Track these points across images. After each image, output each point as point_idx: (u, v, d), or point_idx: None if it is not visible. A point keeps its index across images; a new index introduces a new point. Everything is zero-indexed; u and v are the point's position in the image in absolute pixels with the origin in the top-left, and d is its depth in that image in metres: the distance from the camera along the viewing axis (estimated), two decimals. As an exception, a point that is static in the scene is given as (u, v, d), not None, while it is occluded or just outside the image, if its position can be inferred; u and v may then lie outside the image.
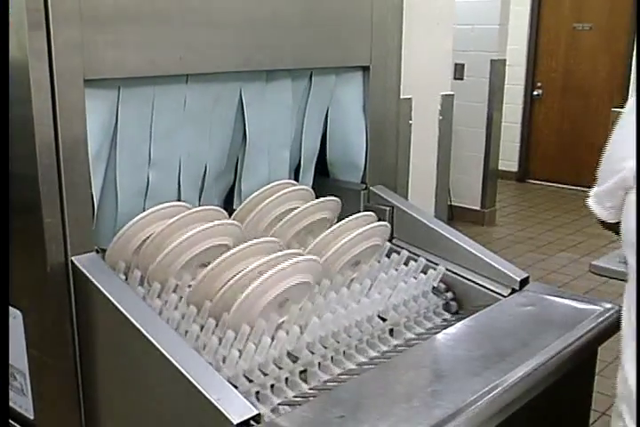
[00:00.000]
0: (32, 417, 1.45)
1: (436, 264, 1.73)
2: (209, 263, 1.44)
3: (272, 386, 1.32)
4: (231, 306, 1.37)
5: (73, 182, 1.30)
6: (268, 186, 1.75)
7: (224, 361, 1.30)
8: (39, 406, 1.43)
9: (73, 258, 1.31)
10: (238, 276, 1.40)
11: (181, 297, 1.44)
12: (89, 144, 1.31)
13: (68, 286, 1.32)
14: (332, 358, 1.43)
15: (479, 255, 1.70)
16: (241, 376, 1.30)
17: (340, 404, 1.18)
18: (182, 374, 1.13)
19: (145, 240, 1.48)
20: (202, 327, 1.38)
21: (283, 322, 1.43)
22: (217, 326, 1.38)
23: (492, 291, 1.66)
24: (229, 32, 1.51)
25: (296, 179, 1.88)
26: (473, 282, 1.69)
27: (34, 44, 1.20)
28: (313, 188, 1.84)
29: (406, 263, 1.72)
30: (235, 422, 1.06)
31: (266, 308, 1.39)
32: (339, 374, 1.38)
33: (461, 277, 1.71)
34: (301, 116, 1.82)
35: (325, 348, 1.42)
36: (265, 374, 1.32)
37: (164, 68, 1.43)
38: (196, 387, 1.11)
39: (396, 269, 1.70)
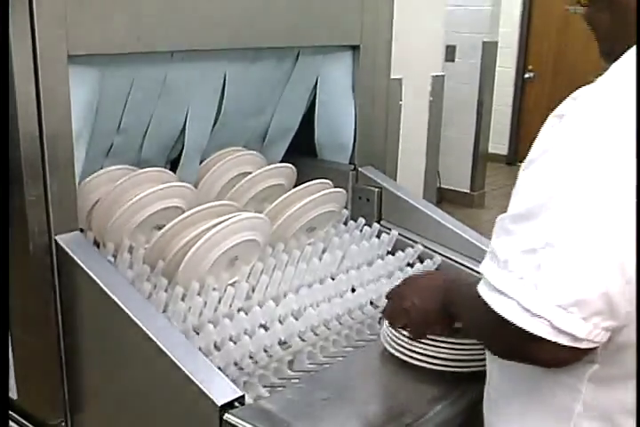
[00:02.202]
0: (15, 397, 1.44)
1: (389, 230, 1.76)
2: (163, 226, 1.45)
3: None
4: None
5: (56, 160, 1.28)
6: (219, 152, 1.79)
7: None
8: (22, 386, 1.42)
9: (57, 237, 1.29)
10: (191, 235, 1.41)
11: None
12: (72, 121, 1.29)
13: (51, 265, 1.30)
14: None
15: (468, 238, 1.69)
16: (191, 331, 1.31)
17: (324, 386, 1.17)
18: (167, 355, 1.12)
19: (96, 203, 1.50)
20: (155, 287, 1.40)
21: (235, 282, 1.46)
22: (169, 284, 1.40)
23: (480, 274, 1.64)
24: (217, 9, 1.48)
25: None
26: (462, 265, 1.68)
27: (15, 18, 1.17)
28: (301, 168, 1.82)
29: (402, 249, 1.72)
30: (219, 404, 1.05)
31: (214, 265, 1.41)
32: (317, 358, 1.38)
33: (450, 259, 1.71)
34: (279, 93, 1.81)
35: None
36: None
37: (151, 45, 1.40)
38: (180, 369, 1.10)
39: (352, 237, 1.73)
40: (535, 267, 0.81)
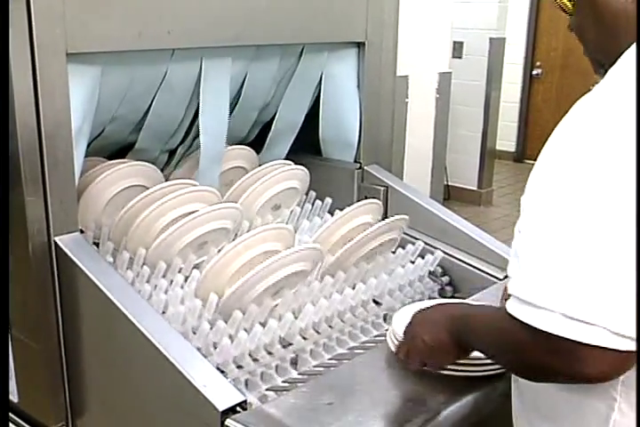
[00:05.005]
0: (16, 400, 1.42)
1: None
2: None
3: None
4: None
5: (56, 160, 1.26)
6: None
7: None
8: (23, 389, 1.41)
9: (56, 238, 1.28)
10: (149, 209, 1.45)
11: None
12: (72, 120, 1.27)
13: (51, 267, 1.29)
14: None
15: (475, 237, 1.67)
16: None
17: (329, 390, 1.15)
18: (167, 359, 1.10)
19: None
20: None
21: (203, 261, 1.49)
22: (133, 261, 1.43)
23: (487, 273, 1.62)
24: (219, 6, 1.46)
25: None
26: (468, 264, 1.66)
27: (13, 15, 1.15)
28: (306, 167, 1.81)
29: (403, 246, 1.69)
30: (220, 409, 1.03)
31: (184, 248, 1.45)
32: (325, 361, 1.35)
33: (456, 259, 1.68)
34: (283, 88, 1.80)
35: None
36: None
37: (152, 43, 1.38)
38: (181, 373, 1.08)
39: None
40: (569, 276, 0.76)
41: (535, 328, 0.77)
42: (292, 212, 1.79)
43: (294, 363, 1.32)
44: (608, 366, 0.77)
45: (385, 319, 1.51)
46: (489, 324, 0.93)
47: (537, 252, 0.80)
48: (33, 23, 1.17)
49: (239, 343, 1.25)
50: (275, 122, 1.83)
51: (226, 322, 1.28)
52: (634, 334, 0.75)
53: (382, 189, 1.83)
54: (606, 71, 0.89)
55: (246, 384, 1.25)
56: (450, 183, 5.30)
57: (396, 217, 1.61)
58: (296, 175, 1.76)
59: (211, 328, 1.27)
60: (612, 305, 0.75)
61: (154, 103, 1.54)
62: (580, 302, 0.75)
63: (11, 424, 1.44)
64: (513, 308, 0.81)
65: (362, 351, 1.35)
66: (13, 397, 1.42)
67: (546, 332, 0.77)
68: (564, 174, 0.80)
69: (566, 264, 0.77)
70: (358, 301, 1.48)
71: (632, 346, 0.75)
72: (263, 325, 1.30)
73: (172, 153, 1.76)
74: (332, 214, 1.76)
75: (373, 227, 1.54)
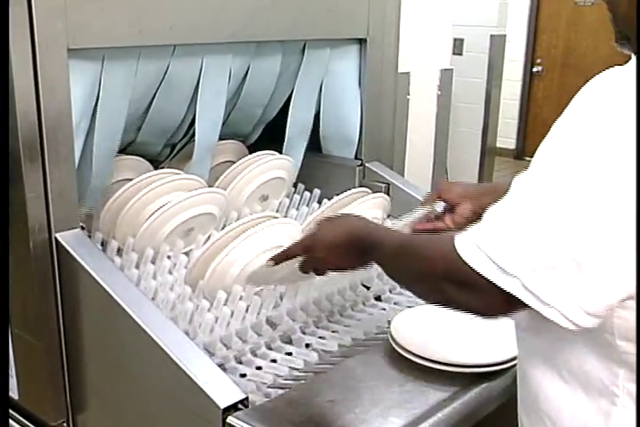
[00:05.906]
0: (16, 397, 1.42)
1: None
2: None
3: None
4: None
5: (57, 156, 1.25)
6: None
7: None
8: (24, 386, 1.40)
9: (57, 235, 1.27)
10: (138, 196, 1.48)
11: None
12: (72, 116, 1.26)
13: (52, 264, 1.28)
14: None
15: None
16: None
17: (330, 388, 1.15)
18: (169, 356, 1.10)
19: None
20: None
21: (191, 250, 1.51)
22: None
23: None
24: (220, 2, 1.46)
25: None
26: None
27: (14, 10, 1.14)
28: (306, 163, 1.80)
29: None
30: (222, 407, 1.03)
31: (170, 235, 1.47)
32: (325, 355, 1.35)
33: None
34: (290, 88, 1.78)
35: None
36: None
37: (153, 38, 1.38)
38: (183, 370, 1.08)
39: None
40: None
41: (469, 266, 0.82)
42: (280, 203, 1.79)
43: (287, 338, 1.34)
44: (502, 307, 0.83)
45: (380, 300, 1.53)
46: (407, 247, 0.97)
47: (502, 207, 0.87)
48: (34, 18, 1.16)
49: (224, 320, 1.26)
50: (288, 127, 1.80)
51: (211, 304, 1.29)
52: (543, 297, 0.77)
53: (384, 186, 1.82)
54: (628, 42, 0.91)
55: (236, 359, 1.26)
56: (450, 181, 5.30)
57: (375, 195, 1.63)
58: (282, 165, 1.76)
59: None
60: (536, 263, 0.78)
61: (155, 99, 1.54)
62: (511, 252, 0.79)
63: (11, 421, 1.44)
64: (458, 241, 0.85)
65: (363, 347, 1.34)
66: (14, 394, 1.42)
67: (470, 266, 0.81)
68: (557, 156, 0.85)
69: (517, 222, 0.82)
70: (345, 282, 1.49)
71: (537, 306, 0.78)
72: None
73: (174, 147, 1.76)
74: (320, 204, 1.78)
75: (350, 206, 1.55)
